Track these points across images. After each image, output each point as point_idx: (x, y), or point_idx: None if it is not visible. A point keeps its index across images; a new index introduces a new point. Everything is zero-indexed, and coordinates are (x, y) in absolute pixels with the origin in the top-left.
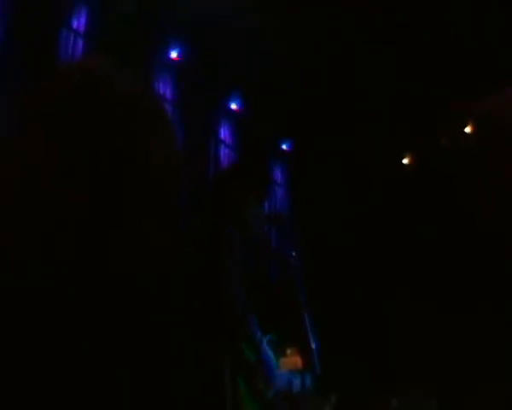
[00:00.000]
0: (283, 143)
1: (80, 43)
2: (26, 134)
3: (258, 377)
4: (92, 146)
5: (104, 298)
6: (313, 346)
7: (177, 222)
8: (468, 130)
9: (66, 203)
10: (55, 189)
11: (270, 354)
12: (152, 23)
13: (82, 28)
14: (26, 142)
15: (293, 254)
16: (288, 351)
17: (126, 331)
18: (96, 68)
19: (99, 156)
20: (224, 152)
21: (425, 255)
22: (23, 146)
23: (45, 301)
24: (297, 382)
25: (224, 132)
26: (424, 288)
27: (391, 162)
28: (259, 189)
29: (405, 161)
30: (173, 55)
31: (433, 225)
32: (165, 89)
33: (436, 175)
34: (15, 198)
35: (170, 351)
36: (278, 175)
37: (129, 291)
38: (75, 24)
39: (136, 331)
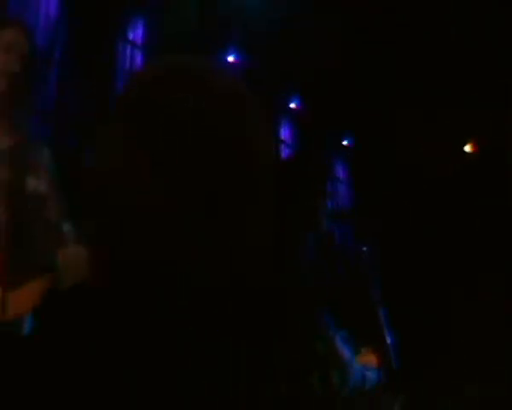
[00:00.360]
0: (345, 139)
1: (137, 54)
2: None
3: (332, 373)
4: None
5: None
6: (388, 342)
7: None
8: None
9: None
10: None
11: (347, 349)
12: (208, 28)
13: (139, 40)
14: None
15: (364, 249)
16: (363, 350)
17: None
18: (165, 75)
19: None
20: (284, 152)
21: (496, 251)
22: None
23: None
24: (371, 378)
25: (284, 132)
26: (501, 285)
27: (454, 152)
28: (318, 185)
29: (467, 148)
30: (230, 58)
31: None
32: None
33: (502, 163)
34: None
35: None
36: (340, 172)
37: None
38: (132, 36)
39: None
